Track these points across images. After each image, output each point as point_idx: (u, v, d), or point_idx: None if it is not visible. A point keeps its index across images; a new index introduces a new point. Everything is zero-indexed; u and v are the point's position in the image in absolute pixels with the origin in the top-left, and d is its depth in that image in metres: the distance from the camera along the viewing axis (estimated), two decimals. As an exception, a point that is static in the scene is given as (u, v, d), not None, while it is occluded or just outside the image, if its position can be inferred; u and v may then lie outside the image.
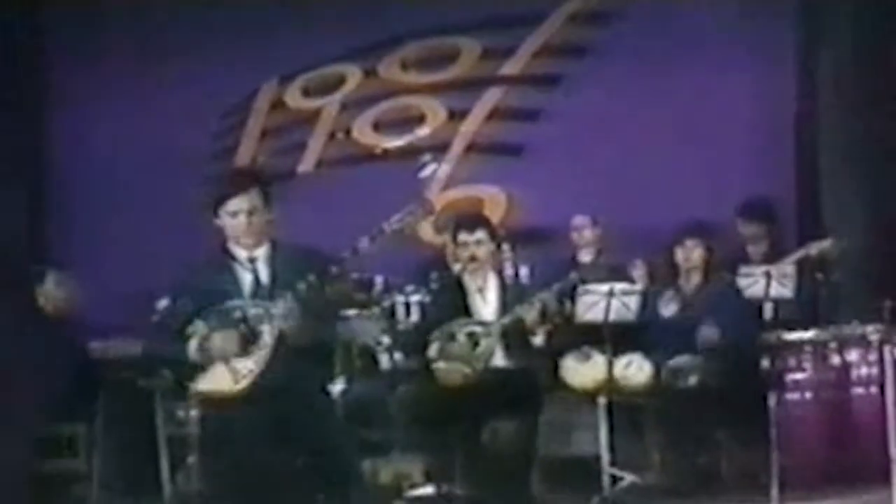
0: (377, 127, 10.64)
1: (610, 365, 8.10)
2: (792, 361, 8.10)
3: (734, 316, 8.19)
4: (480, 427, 7.86)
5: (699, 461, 8.17)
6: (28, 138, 10.37)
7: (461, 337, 7.85)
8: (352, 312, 8.80)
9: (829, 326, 8.32)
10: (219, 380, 6.19)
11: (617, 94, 10.01)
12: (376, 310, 8.87)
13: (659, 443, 8.25)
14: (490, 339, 7.83)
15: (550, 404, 8.07)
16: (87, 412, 8.41)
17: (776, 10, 9.92)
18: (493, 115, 10.48)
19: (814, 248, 8.80)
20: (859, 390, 8.05)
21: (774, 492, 7.46)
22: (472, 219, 8.41)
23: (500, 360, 7.87)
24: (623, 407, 8.15)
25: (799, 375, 8.10)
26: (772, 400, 7.67)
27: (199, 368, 6.23)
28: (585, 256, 9.28)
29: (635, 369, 8.17)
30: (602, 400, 8.13)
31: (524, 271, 8.96)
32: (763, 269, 8.23)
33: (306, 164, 10.68)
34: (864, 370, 8.06)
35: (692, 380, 8.08)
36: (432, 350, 7.86)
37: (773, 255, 8.87)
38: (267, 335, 6.15)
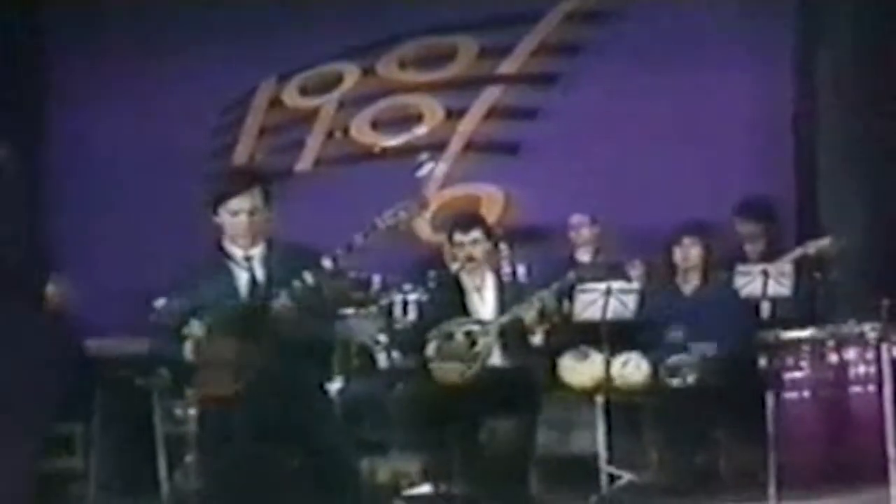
0: (375, 126, 10.64)
1: (608, 364, 8.11)
2: (790, 360, 8.09)
3: (732, 315, 8.20)
4: (478, 426, 7.86)
5: (697, 460, 8.17)
6: (28, 138, 10.35)
7: (459, 336, 7.85)
8: (349, 311, 8.80)
9: (826, 325, 8.30)
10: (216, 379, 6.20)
11: (615, 92, 10.01)
12: (374, 308, 8.87)
13: (657, 441, 8.24)
14: (488, 338, 7.83)
15: (548, 403, 8.07)
16: (85, 411, 8.40)
17: (775, 10, 9.92)
18: (491, 113, 10.48)
19: (812, 247, 8.80)
20: (857, 389, 8.04)
21: (772, 490, 7.45)
22: (467, 218, 8.41)
23: (497, 359, 7.87)
24: (621, 406, 8.14)
25: (797, 374, 8.09)
26: (769, 398, 7.66)
27: (196, 367, 6.24)
28: (583, 255, 9.28)
29: (633, 368, 8.17)
30: (600, 399, 8.13)
31: (522, 270, 8.96)
32: (761, 267, 8.24)
33: (304, 163, 10.68)
34: (861, 369, 8.04)
35: (690, 378, 8.07)
36: (430, 349, 7.86)
37: (771, 254, 8.87)
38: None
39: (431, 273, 8.70)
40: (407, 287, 8.83)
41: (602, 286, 8.15)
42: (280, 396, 6.18)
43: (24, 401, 5.70)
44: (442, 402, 7.77)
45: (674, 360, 8.13)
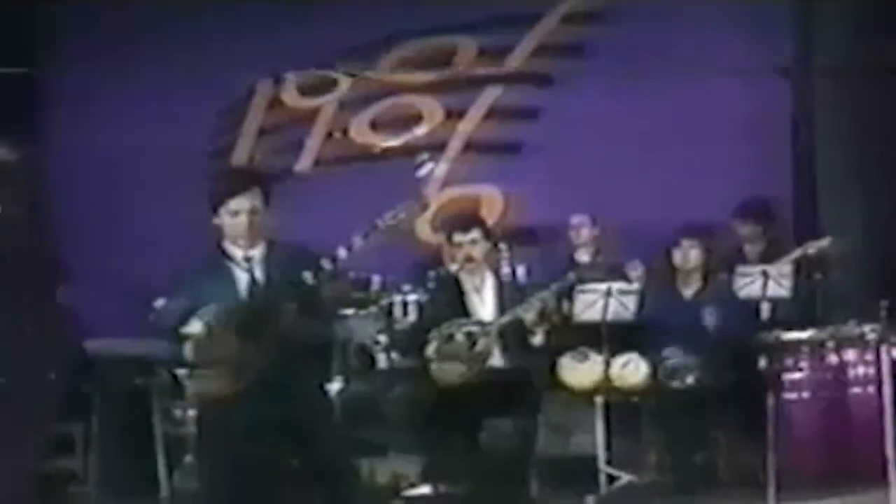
0: (375, 126, 10.63)
1: (607, 364, 8.11)
2: (789, 361, 8.09)
3: (731, 317, 8.19)
4: (478, 427, 7.86)
5: (696, 461, 8.18)
6: (27, 138, 10.34)
7: (459, 336, 7.85)
8: (349, 312, 8.79)
9: (826, 326, 8.30)
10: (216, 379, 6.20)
11: (615, 93, 9.99)
12: (374, 309, 8.86)
13: (656, 442, 8.26)
14: (487, 338, 7.83)
15: (548, 404, 8.08)
16: (84, 411, 8.40)
17: (775, 11, 9.91)
18: (491, 114, 10.48)
19: (811, 248, 8.79)
20: (856, 390, 8.04)
21: (771, 491, 7.46)
22: (466, 219, 8.42)
23: (497, 359, 7.88)
24: (620, 406, 8.15)
25: (796, 375, 8.08)
26: (769, 399, 7.66)
27: (196, 367, 6.24)
28: (583, 256, 9.27)
29: (632, 369, 8.18)
30: (599, 399, 8.14)
31: (521, 270, 8.94)
32: (760, 268, 8.23)
33: (304, 163, 10.68)
34: (861, 370, 8.05)
35: (689, 379, 8.08)
36: (430, 350, 7.86)
37: (771, 255, 8.86)
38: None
39: (431, 273, 8.69)
40: (406, 287, 8.82)
41: (602, 287, 8.15)
42: (280, 397, 6.17)
43: (24, 401, 5.70)
44: (442, 402, 7.77)
45: (673, 361, 8.14)
